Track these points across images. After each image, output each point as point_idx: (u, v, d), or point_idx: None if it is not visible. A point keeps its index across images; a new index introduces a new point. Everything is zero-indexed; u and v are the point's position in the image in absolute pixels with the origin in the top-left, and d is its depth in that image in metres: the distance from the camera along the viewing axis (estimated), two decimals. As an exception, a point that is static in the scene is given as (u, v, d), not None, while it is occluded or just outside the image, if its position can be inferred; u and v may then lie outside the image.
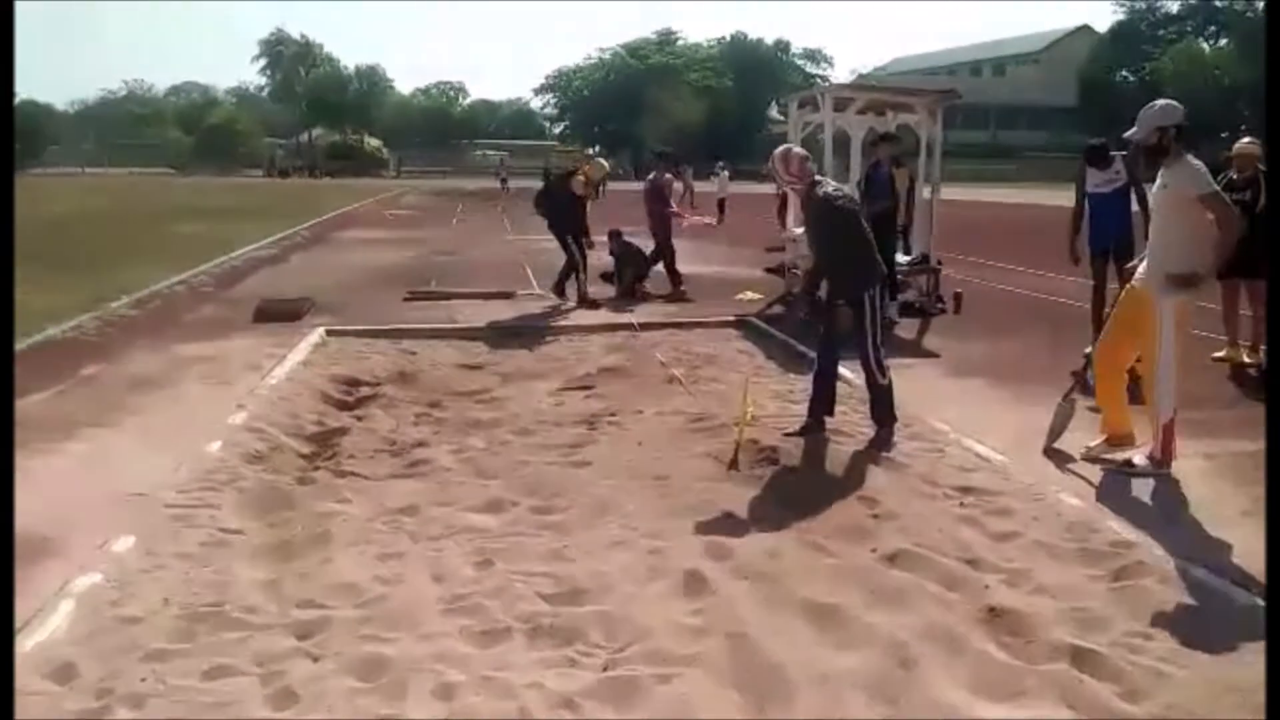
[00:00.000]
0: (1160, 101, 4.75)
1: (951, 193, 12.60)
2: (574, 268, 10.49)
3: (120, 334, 8.53)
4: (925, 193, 10.34)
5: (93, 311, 9.11)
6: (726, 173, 29.08)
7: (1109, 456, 5.01)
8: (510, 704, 2.71)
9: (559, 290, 10.61)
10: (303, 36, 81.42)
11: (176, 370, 7.12)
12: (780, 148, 5.57)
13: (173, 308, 10.22)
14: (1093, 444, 5.11)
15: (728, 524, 4.09)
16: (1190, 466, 5.01)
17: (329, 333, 8.37)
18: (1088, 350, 5.42)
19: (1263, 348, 7.47)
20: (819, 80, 76.16)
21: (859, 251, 5.27)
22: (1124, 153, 7.72)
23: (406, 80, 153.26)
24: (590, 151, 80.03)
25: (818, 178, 5.44)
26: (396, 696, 2.74)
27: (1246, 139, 7.71)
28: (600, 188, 11.57)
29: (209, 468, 4.67)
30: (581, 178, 10.68)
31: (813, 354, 5.76)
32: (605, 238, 11.39)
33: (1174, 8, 70.18)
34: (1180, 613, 3.26)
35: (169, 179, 56.92)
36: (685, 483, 4.61)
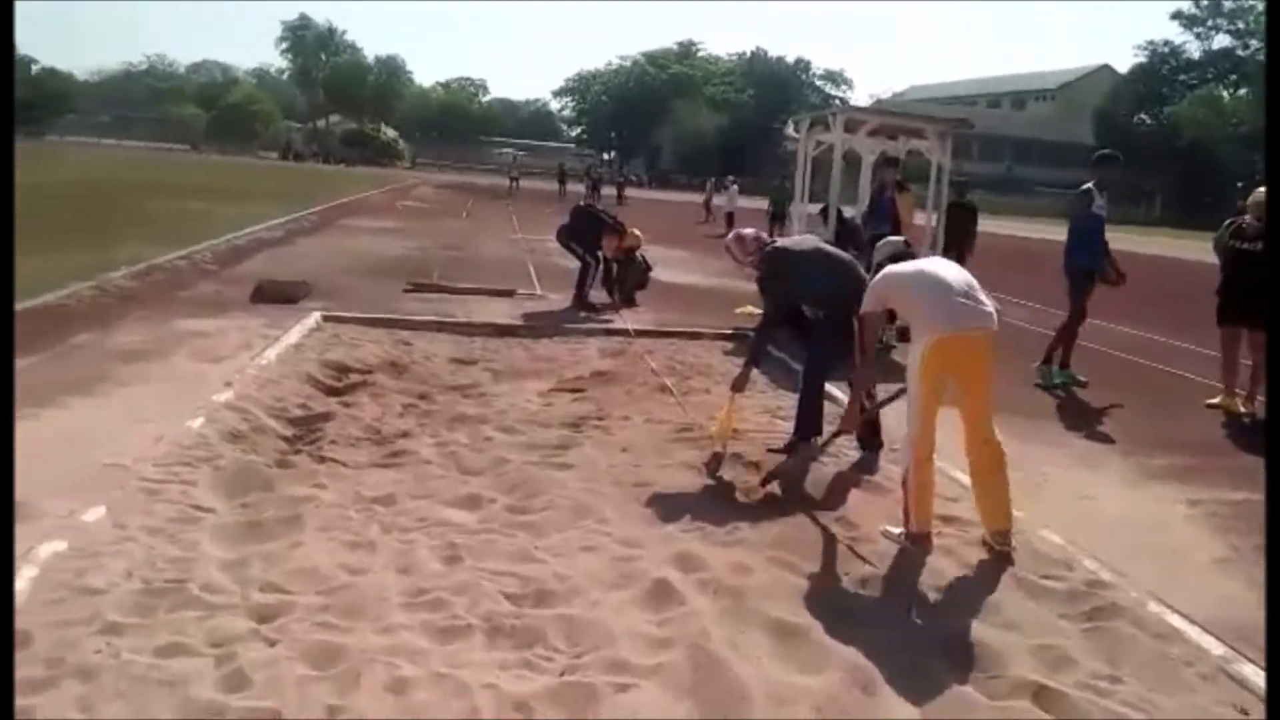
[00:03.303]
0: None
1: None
2: (587, 270, 10.48)
3: (116, 305, 8.51)
4: (927, 219, 10.33)
5: (89, 281, 9.08)
6: (735, 187, 29.42)
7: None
8: (462, 703, 2.67)
9: (584, 302, 10.38)
10: (327, 22, 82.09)
11: (168, 344, 7.09)
12: (728, 238, 5.57)
13: (172, 282, 10.20)
14: None
15: (702, 536, 4.05)
16: (1173, 511, 4.99)
17: (325, 318, 8.35)
18: None
19: (1259, 398, 7.41)
20: (837, 101, 76.29)
21: (840, 276, 5.27)
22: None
23: (427, 73, 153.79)
24: (606, 158, 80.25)
25: (767, 242, 5.44)
26: (348, 687, 2.71)
27: (1263, 189, 7.29)
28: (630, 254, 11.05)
29: (188, 443, 4.64)
30: (615, 239, 10.62)
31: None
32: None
33: (1196, 54, 70.31)
34: (1150, 658, 3.22)
35: (183, 155, 57.05)
36: (664, 492, 4.57)
